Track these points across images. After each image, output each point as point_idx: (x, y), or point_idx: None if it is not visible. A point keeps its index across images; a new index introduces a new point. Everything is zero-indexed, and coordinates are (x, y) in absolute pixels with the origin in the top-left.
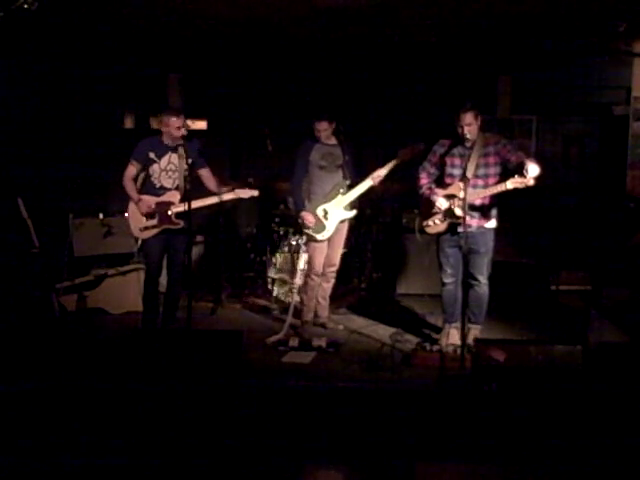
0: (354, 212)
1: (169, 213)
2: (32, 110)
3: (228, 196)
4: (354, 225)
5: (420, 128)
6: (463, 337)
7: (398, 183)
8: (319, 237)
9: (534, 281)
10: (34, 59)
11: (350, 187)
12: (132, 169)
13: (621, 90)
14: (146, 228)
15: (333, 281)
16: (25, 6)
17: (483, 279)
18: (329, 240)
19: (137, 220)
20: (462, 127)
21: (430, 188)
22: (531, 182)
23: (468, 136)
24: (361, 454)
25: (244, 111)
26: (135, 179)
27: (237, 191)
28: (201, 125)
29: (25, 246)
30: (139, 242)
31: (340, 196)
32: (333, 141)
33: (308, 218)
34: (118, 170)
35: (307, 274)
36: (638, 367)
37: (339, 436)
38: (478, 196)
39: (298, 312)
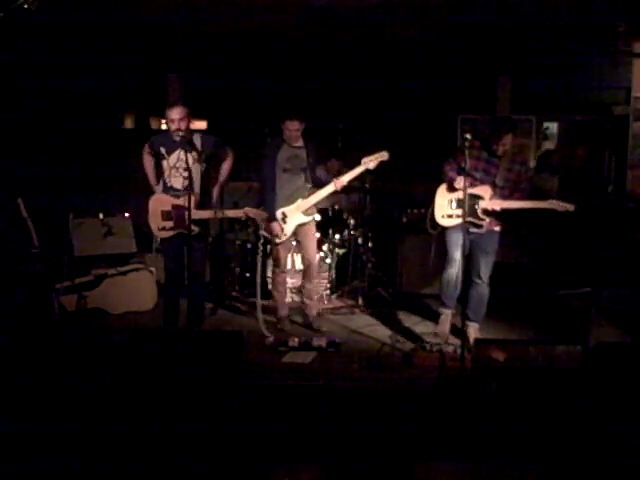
0: (313, 216)
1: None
2: (32, 110)
3: (237, 213)
4: (354, 225)
5: (420, 128)
6: (463, 337)
7: (398, 183)
8: (276, 240)
9: (534, 282)
10: (34, 59)
11: (311, 191)
12: (147, 149)
13: (621, 90)
14: (163, 228)
15: (316, 281)
16: (25, 6)
17: (486, 278)
18: (298, 242)
19: (156, 218)
20: (499, 144)
21: (454, 170)
22: (572, 208)
23: (500, 153)
24: (361, 454)
25: (244, 111)
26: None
27: (246, 209)
28: (201, 125)
29: (25, 246)
30: (158, 240)
31: (300, 200)
32: (300, 143)
33: (276, 229)
34: (118, 170)
35: (273, 271)
36: (638, 367)
37: (339, 436)
38: (509, 205)
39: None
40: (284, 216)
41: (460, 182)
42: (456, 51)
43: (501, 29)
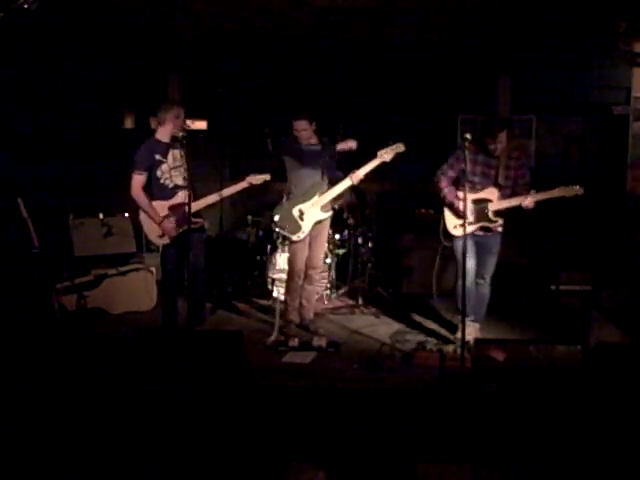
0: (330, 213)
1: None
2: (32, 110)
3: (239, 186)
4: (354, 225)
5: (420, 128)
6: (463, 337)
7: (398, 183)
8: (294, 237)
9: (534, 281)
10: (34, 59)
11: (328, 187)
12: (140, 179)
13: (621, 90)
14: (163, 235)
15: (317, 284)
16: (25, 6)
17: (489, 279)
18: (309, 242)
19: (153, 228)
20: (495, 144)
21: (452, 192)
22: (580, 191)
23: (498, 153)
24: (361, 454)
25: (244, 111)
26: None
27: (249, 179)
28: (201, 125)
29: (25, 246)
30: (160, 249)
31: (317, 196)
32: (314, 141)
33: None
34: (118, 170)
35: (288, 274)
36: (638, 367)
37: (339, 436)
38: (519, 202)
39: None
40: (301, 213)
41: (457, 203)
42: (456, 51)
43: (501, 29)
